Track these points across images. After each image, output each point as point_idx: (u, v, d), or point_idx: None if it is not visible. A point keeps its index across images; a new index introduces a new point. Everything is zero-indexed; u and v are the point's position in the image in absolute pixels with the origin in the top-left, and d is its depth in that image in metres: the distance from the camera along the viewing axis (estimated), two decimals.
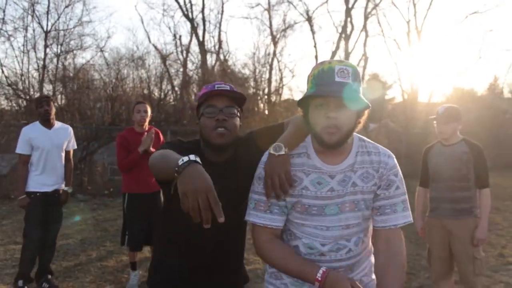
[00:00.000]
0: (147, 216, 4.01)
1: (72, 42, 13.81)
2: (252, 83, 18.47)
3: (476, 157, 3.23)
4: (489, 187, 3.25)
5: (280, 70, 18.82)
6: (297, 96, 19.59)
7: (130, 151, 4.03)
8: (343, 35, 18.10)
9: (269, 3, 18.77)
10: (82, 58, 13.99)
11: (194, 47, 19.10)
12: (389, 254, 1.57)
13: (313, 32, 17.80)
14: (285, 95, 21.03)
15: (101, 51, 13.56)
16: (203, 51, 18.16)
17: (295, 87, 20.17)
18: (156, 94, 15.89)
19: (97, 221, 7.35)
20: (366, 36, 18.53)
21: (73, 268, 4.73)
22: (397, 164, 1.63)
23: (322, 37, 29.95)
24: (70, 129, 4.35)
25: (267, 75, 18.60)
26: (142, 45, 17.28)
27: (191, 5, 17.60)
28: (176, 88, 17.21)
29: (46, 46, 13.16)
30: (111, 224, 6.99)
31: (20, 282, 3.93)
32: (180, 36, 19.00)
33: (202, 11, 17.87)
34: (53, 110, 4.16)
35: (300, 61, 26.56)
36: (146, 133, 4.08)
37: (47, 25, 13.32)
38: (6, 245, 5.68)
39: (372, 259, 1.72)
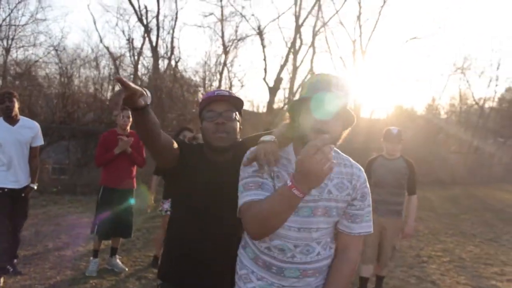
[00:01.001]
0: (118, 210, 4.47)
1: (24, 38, 13.67)
2: (202, 90, 18.91)
3: (410, 171, 4.12)
4: (416, 195, 4.22)
5: (230, 79, 19.40)
6: (247, 107, 20.25)
7: (109, 149, 4.46)
8: (292, 50, 18.98)
9: (222, 14, 19.34)
10: (34, 55, 13.64)
11: (147, 52, 19.32)
12: (344, 259, 1.72)
13: (263, 46, 18.55)
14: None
15: (55, 49, 13.50)
16: (156, 56, 18.40)
17: (243, 97, 20.76)
18: (108, 95, 15.96)
19: (49, 216, 7.54)
20: (314, 52, 19.55)
21: (32, 257, 5.00)
22: (366, 178, 1.76)
23: (272, 51, 30.84)
24: (36, 124, 4.32)
25: (217, 84, 19.11)
26: (97, 47, 17.17)
27: (146, 10, 17.79)
28: None
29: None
30: (63, 219, 7.22)
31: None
32: (133, 39, 19.12)
33: (157, 16, 18.13)
34: (16, 106, 4.11)
35: (250, 72, 27.25)
36: (125, 137, 4.53)
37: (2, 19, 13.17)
38: None
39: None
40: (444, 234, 7.80)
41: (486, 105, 26.11)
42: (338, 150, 1.73)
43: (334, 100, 1.52)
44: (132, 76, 18.16)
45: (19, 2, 13.68)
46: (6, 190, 4.06)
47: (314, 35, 19.34)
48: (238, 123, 1.89)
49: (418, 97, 43.37)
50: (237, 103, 1.90)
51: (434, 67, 36.68)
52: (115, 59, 18.41)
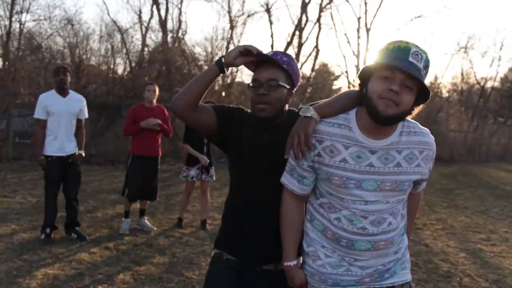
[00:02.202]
0: (146, 175, 5.03)
1: (39, 11, 14.03)
2: (208, 65, 19.28)
3: None
4: None
5: None
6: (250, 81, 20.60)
7: (136, 121, 4.99)
8: (298, 27, 19.27)
9: None
10: (49, 29, 13.98)
11: (155, 25, 19.62)
12: (412, 208, 1.80)
13: (270, 23, 18.83)
14: (238, 79, 21.93)
15: (70, 24, 13.86)
16: (165, 30, 18.69)
17: (248, 73, 21.13)
18: (120, 69, 16.39)
19: None
20: (319, 29, 19.82)
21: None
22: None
23: (279, 28, 30.98)
24: (83, 99, 4.80)
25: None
26: (110, 23, 17.45)
27: None
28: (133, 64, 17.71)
29: (11, 15, 13.36)
30: (87, 186, 7.78)
31: (48, 229, 4.59)
32: (141, 12, 19.39)
33: None
34: (68, 80, 4.59)
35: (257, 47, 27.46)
36: (153, 110, 5.10)
37: None
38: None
39: (406, 237, 1.78)
40: (439, 206, 8.40)
41: (488, 85, 26.42)
42: (408, 119, 1.60)
43: (411, 70, 1.42)
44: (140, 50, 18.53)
45: None
46: (54, 158, 4.54)
47: (320, 11, 19.62)
48: (285, 90, 1.74)
49: None
50: (287, 68, 1.74)
51: (438, 46, 36.82)
52: (123, 32, 18.73)
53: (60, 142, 4.56)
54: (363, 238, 1.59)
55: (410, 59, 1.44)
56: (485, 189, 11.40)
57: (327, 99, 1.70)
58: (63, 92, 4.60)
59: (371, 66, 1.51)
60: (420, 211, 7.70)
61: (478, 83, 26.40)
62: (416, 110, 1.55)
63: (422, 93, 1.50)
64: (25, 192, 7.04)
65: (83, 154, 4.82)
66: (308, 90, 21.61)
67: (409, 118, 1.58)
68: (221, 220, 1.94)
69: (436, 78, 27.79)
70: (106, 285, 3.58)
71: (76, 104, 4.71)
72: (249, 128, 1.79)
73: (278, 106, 1.74)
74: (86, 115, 4.89)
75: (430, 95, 1.51)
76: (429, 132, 1.65)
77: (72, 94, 4.75)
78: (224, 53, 18.84)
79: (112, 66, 15.32)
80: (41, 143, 4.56)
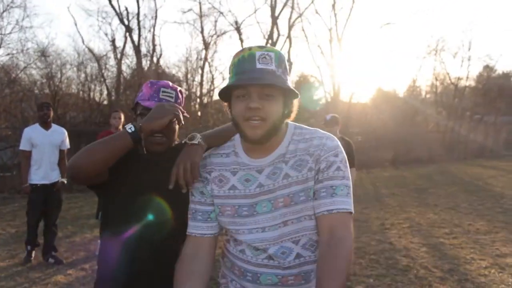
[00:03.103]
0: None
1: (11, 45, 14.24)
2: (184, 86, 19.60)
3: (347, 149, 4.88)
4: (354, 168, 4.86)
5: (211, 73, 20.13)
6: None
7: None
8: (270, 42, 19.73)
9: (200, 10, 19.99)
10: (22, 61, 14.15)
11: (129, 51, 19.91)
12: (333, 242, 1.25)
13: (241, 41, 19.28)
14: (216, 97, 22.34)
15: (43, 55, 14.07)
16: (139, 54, 19.01)
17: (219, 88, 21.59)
18: (96, 96, 16.62)
19: None
20: (290, 43, 20.31)
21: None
22: (340, 147, 1.42)
23: (251, 44, 31.48)
24: (65, 130, 5.20)
25: (199, 78, 19.82)
26: (83, 51, 17.68)
27: (127, 12, 18.36)
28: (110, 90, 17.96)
29: None
30: (67, 213, 7.95)
31: (29, 247, 5.01)
32: (114, 39, 19.68)
33: (138, 16, 18.71)
34: (51, 114, 5.01)
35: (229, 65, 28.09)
36: None
37: None
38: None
39: None
40: (410, 206, 8.73)
41: (462, 84, 27.12)
42: (302, 125, 1.49)
43: (262, 78, 1.29)
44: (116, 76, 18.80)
45: (3, 11, 14.13)
46: (39, 185, 4.92)
47: (290, 26, 20.13)
48: (177, 126, 1.65)
49: (399, 80, 44.57)
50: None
51: (411, 50, 37.77)
52: (99, 59, 18.99)
53: (44, 171, 4.94)
54: (268, 270, 1.41)
55: (258, 65, 1.31)
56: (458, 186, 11.78)
57: (213, 130, 1.67)
58: (46, 125, 5.00)
59: (225, 88, 1.36)
60: (391, 212, 8.04)
61: (452, 83, 27.11)
62: (294, 110, 1.41)
63: (288, 94, 1.36)
64: (3, 223, 7.19)
65: (65, 182, 5.14)
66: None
67: (292, 117, 1.43)
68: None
69: (414, 81, 28.59)
70: None
71: (58, 136, 5.11)
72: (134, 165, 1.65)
73: (171, 140, 1.67)
74: (68, 145, 5.25)
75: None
76: (330, 136, 1.43)
77: (55, 127, 5.15)
78: (199, 73, 19.32)
79: (89, 94, 15.50)
80: (26, 172, 4.94)
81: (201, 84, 19.96)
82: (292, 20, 19.95)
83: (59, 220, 7.25)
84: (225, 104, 1.43)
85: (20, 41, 14.46)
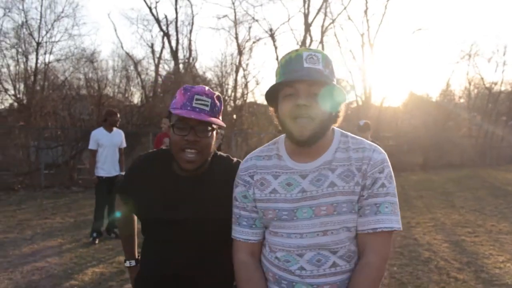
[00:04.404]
0: None
1: (59, 52, 15.31)
2: (219, 89, 20.37)
3: None
4: None
5: (245, 78, 20.80)
6: (261, 101, 21.75)
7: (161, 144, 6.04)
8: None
9: (235, 17, 20.72)
10: (71, 66, 15.24)
11: (167, 55, 20.87)
12: (360, 265, 1.36)
13: (275, 47, 19.90)
14: (250, 100, 22.97)
15: (90, 61, 15.09)
16: (176, 60, 19.90)
17: (259, 94, 22.24)
18: (135, 99, 17.57)
19: None
20: (323, 49, 20.77)
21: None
22: (387, 160, 1.42)
23: (285, 51, 32.38)
24: (122, 132, 6.20)
25: (233, 83, 20.56)
26: (125, 57, 18.76)
27: (167, 19, 19.27)
28: (148, 94, 18.89)
29: (37, 56, 14.64)
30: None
31: (95, 234, 5.89)
32: (153, 45, 20.64)
33: (176, 23, 19.62)
34: (119, 120, 6.09)
35: (264, 70, 28.88)
36: None
37: (38, 36, 14.81)
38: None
39: None
40: (437, 207, 9.10)
41: (497, 89, 26.85)
42: (348, 133, 1.48)
43: (310, 75, 1.30)
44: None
45: (55, 21, 15.23)
46: (104, 177, 5.92)
47: (323, 32, 20.63)
48: (214, 135, 1.60)
49: (432, 84, 44.33)
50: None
51: (444, 54, 37.53)
52: (136, 63, 19.97)
53: (108, 166, 5.91)
54: (303, 280, 1.38)
55: (306, 64, 1.32)
56: (486, 190, 12.00)
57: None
58: (111, 128, 5.95)
59: (272, 88, 1.38)
60: (417, 212, 8.45)
61: (486, 87, 26.92)
62: (341, 114, 1.42)
63: (335, 94, 1.36)
64: (62, 214, 8.00)
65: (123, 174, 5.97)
66: None
67: (339, 120, 1.43)
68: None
69: (448, 85, 28.57)
70: None
71: (119, 137, 6.13)
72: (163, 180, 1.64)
73: (207, 154, 1.60)
74: (125, 144, 6.29)
75: (347, 91, 1.73)
76: (377, 148, 1.43)
77: (115, 130, 6.11)
78: (234, 78, 19.98)
79: (128, 97, 16.44)
80: (93, 167, 5.96)
81: (235, 87, 20.68)
82: (324, 27, 20.46)
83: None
84: (271, 109, 1.46)
85: (69, 47, 15.49)
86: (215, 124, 1.56)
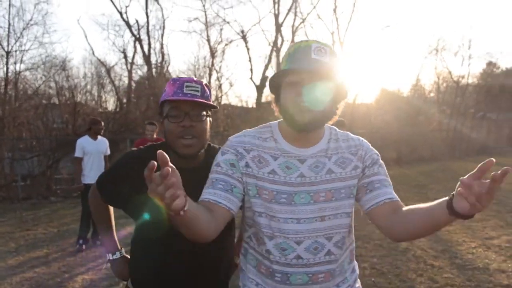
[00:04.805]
0: None
1: (30, 60, 15.14)
2: None
3: None
4: None
5: (219, 80, 20.91)
6: (235, 102, 21.93)
7: None
8: (274, 48, 20.53)
9: (206, 19, 20.81)
10: (42, 75, 15.03)
11: (139, 61, 20.78)
12: (404, 210, 1.37)
13: (247, 49, 20.10)
14: (224, 102, 23.08)
15: (63, 69, 14.95)
16: (149, 64, 19.85)
17: (233, 96, 22.48)
18: (109, 106, 17.47)
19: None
20: None
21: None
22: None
23: (256, 52, 32.80)
24: (106, 140, 6.40)
25: None
26: (96, 63, 18.58)
27: (138, 24, 19.23)
28: (122, 99, 18.81)
29: (7, 65, 14.43)
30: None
31: (81, 241, 5.94)
32: (124, 50, 20.52)
33: (147, 26, 19.58)
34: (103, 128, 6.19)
35: (237, 70, 29.05)
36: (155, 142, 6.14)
37: (7, 45, 14.60)
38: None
39: (356, 265, 1.58)
40: (412, 200, 9.41)
41: (465, 82, 27.68)
42: (334, 127, 1.53)
43: (316, 67, 1.31)
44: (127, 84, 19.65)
45: (24, 29, 15.03)
46: (87, 185, 5.93)
47: (294, 31, 20.93)
48: (209, 122, 1.59)
49: (403, 79, 45.39)
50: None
51: (413, 49, 38.51)
52: (109, 69, 19.84)
53: (94, 173, 5.96)
54: (298, 270, 1.40)
55: (313, 56, 1.32)
56: (457, 182, 12.29)
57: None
58: (95, 136, 6.15)
59: (277, 74, 1.39)
60: None
61: (455, 81, 27.73)
62: (340, 109, 1.45)
63: (338, 90, 1.39)
64: (43, 224, 7.96)
65: None
66: None
67: (337, 114, 1.45)
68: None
69: (417, 80, 29.33)
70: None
71: (104, 145, 6.32)
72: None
73: (204, 140, 1.58)
74: (109, 152, 6.44)
75: (348, 90, 1.40)
76: (362, 138, 1.53)
77: (100, 137, 6.29)
78: (207, 80, 20.06)
79: (102, 104, 16.37)
80: (79, 174, 6.10)
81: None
82: (295, 26, 20.76)
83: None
84: (272, 96, 1.47)
85: (40, 56, 15.31)
86: (208, 106, 1.57)
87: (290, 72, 1.35)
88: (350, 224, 1.47)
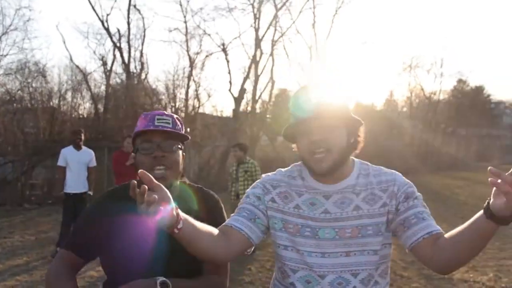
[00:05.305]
0: None
1: (9, 65, 15.02)
2: (171, 102, 20.47)
3: None
4: None
5: (197, 91, 21.01)
6: (210, 111, 22.15)
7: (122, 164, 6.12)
8: (254, 62, 20.81)
9: (186, 30, 20.95)
10: (20, 81, 14.83)
11: (117, 68, 20.76)
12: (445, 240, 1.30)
13: (227, 61, 20.32)
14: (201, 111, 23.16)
15: (43, 76, 14.87)
16: (129, 73, 19.85)
17: (210, 106, 22.65)
18: (86, 113, 17.41)
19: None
20: (273, 62, 21.43)
21: None
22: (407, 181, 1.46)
23: (236, 64, 33.28)
24: (92, 152, 6.43)
25: (183, 95, 20.73)
26: (76, 71, 18.47)
27: (119, 33, 19.24)
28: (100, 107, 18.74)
29: None
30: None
31: (58, 249, 5.80)
32: (103, 57, 20.45)
33: (128, 36, 19.60)
34: (82, 139, 6.30)
35: (215, 80, 29.28)
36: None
37: None
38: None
39: None
40: None
41: (437, 99, 28.53)
42: (367, 162, 1.50)
43: (319, 109, 1.32)
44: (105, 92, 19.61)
45: (3, 34, 14.93)
46: (71, 194, 6.13)
47: (273, 45, 21.26)
48: (181, 154, 1.58)
49: (377, 94, 46.47)
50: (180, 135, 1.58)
51: (388, 65, 39.58)
52: (86, 76, 19.74)
53: (75, 183, 6.12)
54: None
55: (314, 100, 1.34)
56: (427, 195, 12.49)
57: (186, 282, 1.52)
58: (78, 147, 6.26)
59: (289, 125, 1.41)
60: None
61: (427, 97, 28.56)
62: (361, 139, 1.44)
63: (350, 123, 1.40)
64: (20, 232, 7.96)
65: (91, 193, 6.32)
66: (268, 116, 23.17)
67: (359, 146, 1.44)
68: None
69: (391, 94, 30.11)
70: None
71: (87, 156, 6.37)
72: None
73: (176, 171, 1.55)
74: (94, 163, 6.44)
75: (360, 120, 1.40)
76: (396, 172, 1.48)
77: (85, 148, 6.40)
78: (185, 91, 20.17)
79: (78, 110, 16.34)
80: (61, 183, 6.21)
81: (186, 100, 20.82)
82: (274, 40, 21.10)
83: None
84: (294, 145, 1.47)
85: (19, 61, 15.21)
86: (180, 137, 1.57)
87: (297, 122, 1.37)
88: (378, 262, 1.41)
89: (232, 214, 1.49)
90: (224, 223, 1.46)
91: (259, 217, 1.45)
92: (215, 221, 1.50)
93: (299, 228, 1.41)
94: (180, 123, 1.62)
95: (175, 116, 1.61)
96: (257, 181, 1.56)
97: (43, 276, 5.16)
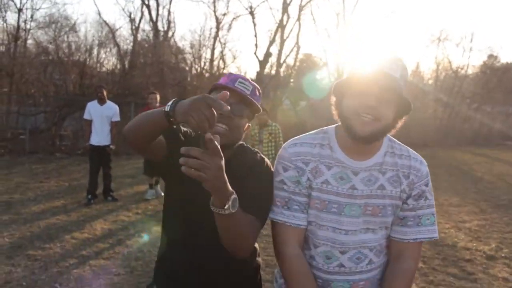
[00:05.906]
0: None
1: (42, 19, 15.42)
2: (196, 62, 20.74)
3: None
4: None
5: (222, 53, 21.20)
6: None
7: None
8: (280, 26, 20.79)
9: None
10: (52, 35, 15.25)
11: (144, 26, 21.00)
12: (397, 271, 1.43)
13: (254, 24, 20.37)
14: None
15: (74, 31, 15.26)
16: (156, 31, 20.10)
17: (233, 67, 22.77)
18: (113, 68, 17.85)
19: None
20: (299, 27, 21.36)
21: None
22: (429, 173, 1.48)
23: (262, 26, 32.93)
24: (116, 106, 6.72)
25: (209, 56, 20.96)
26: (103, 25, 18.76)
27: None
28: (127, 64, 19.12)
29: (18, 22, 14.72)
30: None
31: (89, 196, 6.51)
32: (131, 14, 20.66)
33: None
34: (105, 94, 6.63)
35: (239, 42, 29.42)
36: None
37: (20, 3, 14.86)
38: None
39: None
40: None
41: (464, 73, 28.08)
42: (395, 139, 1.50)
43: (385, 80, 1.30)
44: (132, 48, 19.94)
45: None
46: (95, 146, 6.59)
47: (300, 10, 21.15)
48: (246, 121, 1.58)
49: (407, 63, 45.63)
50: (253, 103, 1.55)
51: (415, 37, 38.77)
52: (114, 31, 20.04)
53: (99, 136, 6.50)
54: (340, 277, 1.45)
55: (385, 70, 1.32)
56: (444, 169, 13.07)
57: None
58: (101, 101, 6.59)
59: (344, 80, 1.38)
60: None
61: (454, 71, 28.11)
62: (400, 124, 1.40)
63: (402, 105, 1.35)
64: (55, 178, 8.57)
65: (113, 148, 6.74)
66: (291, 81, 23.28)
67: (394, 131, 1.40)
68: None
69: (417, 66, 29.71)
70: (143, 234, 5.17)
71: (110, 110, 6.67)
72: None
73: (237, 136, 1.55)
74: (118, 118, 6.72)
75: (411, 106, 1.35)
76: (422, 159, 1.50)
77: (109, 103, 6.70)
78: (210, 51, 20.38)
79: (106, 65, 16.78)
80: (87, 135, 6.63)
81: (211, 61, 21.06)
82: (302, 5, 20.95)
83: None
84: (334, 99, 1.43)
85: (51, 15, 15.60)
86: (251, 104, 1.54)
87: (359, 81, 1.34)
88: (388, 234, 1.50)
89: (277, 203, 1.46)
90: (280, 219, 1.45)
91: (305, 203, 1.46)
92: (253, 184, 1.47)
93: (326, 204, 1.42)
94: (259, 94, 1.61)
95: (257, 86, 1.60)
96: (282, 157, 1.49)
97: (79, 217, 5.73)
